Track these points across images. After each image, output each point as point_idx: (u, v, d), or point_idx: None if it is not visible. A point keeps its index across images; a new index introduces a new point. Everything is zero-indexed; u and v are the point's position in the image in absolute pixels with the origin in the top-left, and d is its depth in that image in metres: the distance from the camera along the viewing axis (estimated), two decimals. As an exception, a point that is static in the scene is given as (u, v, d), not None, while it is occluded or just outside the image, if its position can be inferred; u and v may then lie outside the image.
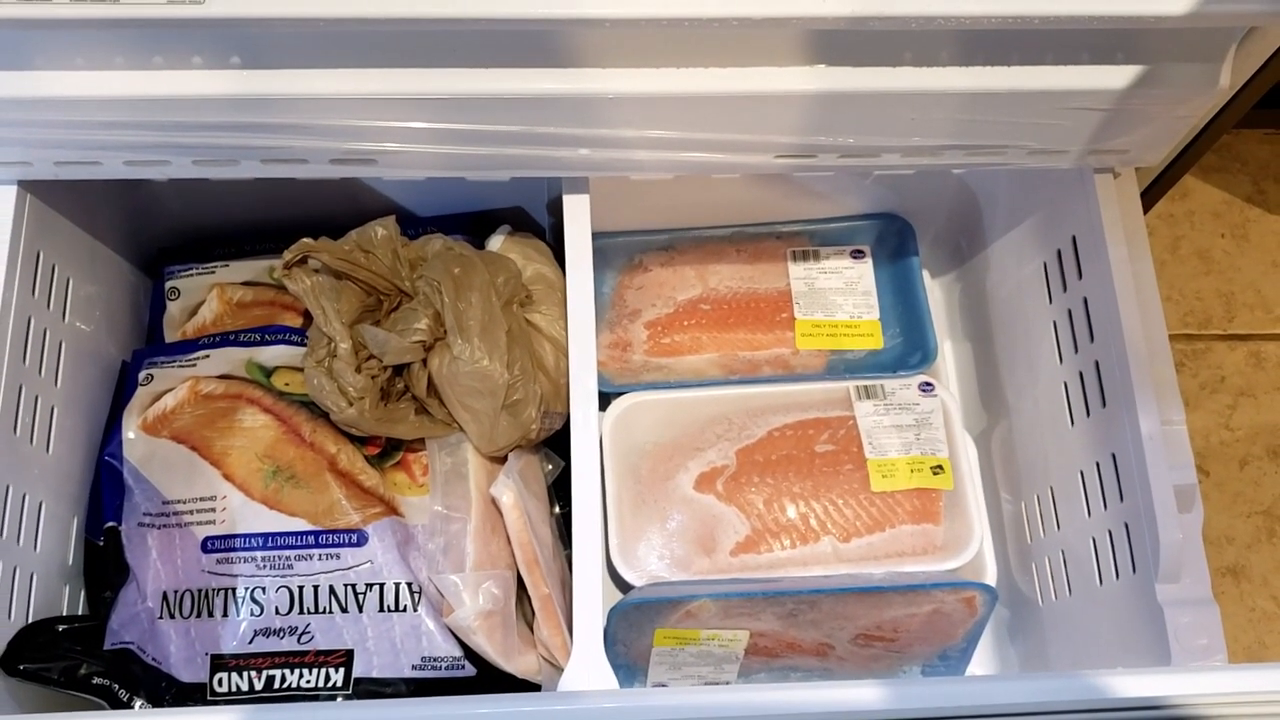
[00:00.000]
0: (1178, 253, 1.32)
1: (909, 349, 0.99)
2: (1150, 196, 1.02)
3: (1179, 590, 0.74)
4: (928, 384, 0.97)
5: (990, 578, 0.95)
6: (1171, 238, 1.32)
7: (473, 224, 0.98)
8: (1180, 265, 1.31)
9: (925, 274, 1.04)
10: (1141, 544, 0.77)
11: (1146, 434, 0.76)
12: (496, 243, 0.91)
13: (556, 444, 0.90)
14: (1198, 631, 0.73)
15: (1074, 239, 0.85)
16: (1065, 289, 0.87)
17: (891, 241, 1.04)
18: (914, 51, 0.70)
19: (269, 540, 0.81)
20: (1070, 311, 0.86)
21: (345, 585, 0.80)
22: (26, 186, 0.78)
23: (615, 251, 1.03)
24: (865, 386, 0.96)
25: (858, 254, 1.03)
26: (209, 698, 0.78)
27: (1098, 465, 0.83)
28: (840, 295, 1.02)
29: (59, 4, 0.60)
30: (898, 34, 0.68)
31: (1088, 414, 0.84)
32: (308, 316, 0.89)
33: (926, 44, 0.69)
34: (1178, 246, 1.32)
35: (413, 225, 0.96)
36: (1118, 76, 0.71)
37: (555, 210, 0.97)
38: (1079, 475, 0.85)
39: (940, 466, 0.93)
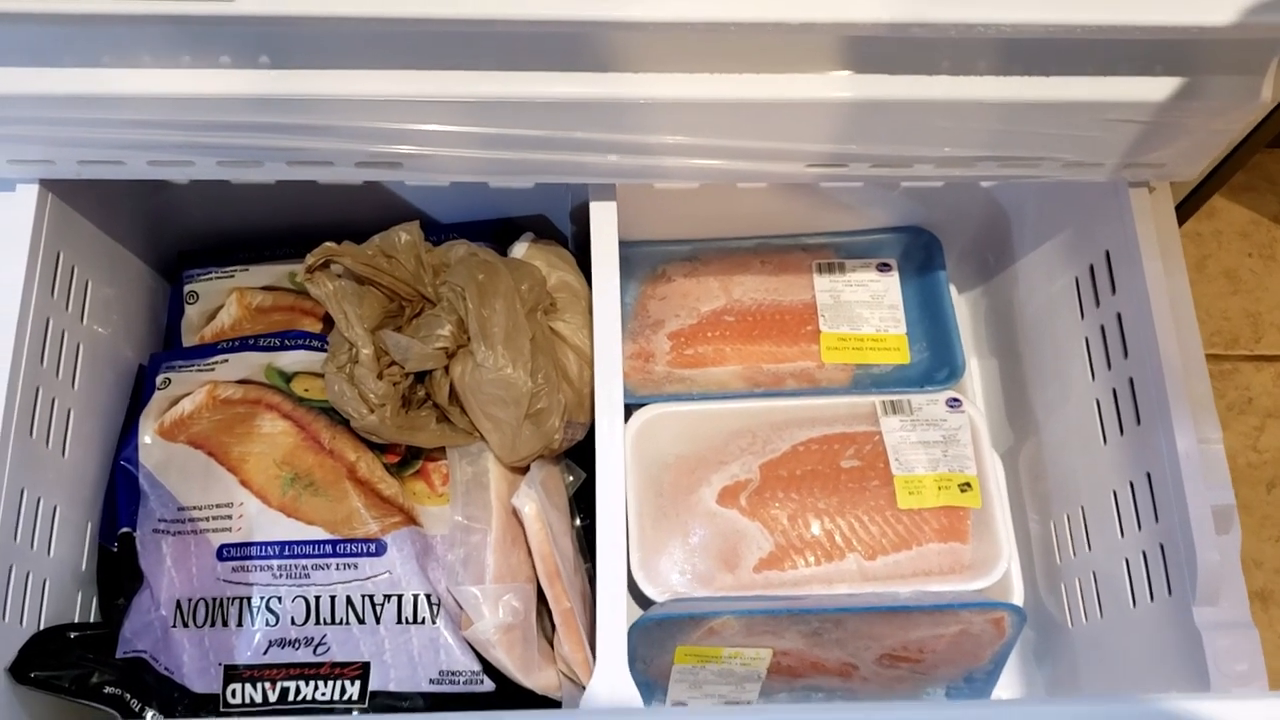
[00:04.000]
0: (1205, 272, 1.30)
1: (936, 364, 0.98)
2: (1180, 215, 1.00)
3: (1217, 613, 0.73)
4: (955, 400, 0.95)
5: (1017, 598, 0.94)
6: (1198, 257, 1.30)
7: (494, 231, 0.97)
8: (1207, 285, 1.29)
9: (951, 288, 1.03)
10: (1178, 566, 0.75)
11: (1183, 453, 0.75)
12: (520, 249, 0.90)
13: (577, 455, 0.89)
14: (1237, 656, 0.71)
15: (1107, 254, 0.84)
16: (1098, 304, 0.85)
17: (918, 255, 1.03)
18: (951, 60, 0.69)
19: (286, 549, 0.80)
20: (1103, 327, 0.85)
21: (363, 596, 0.78)
22: (48, 186, 0.77)
23: (638, 261, 1.02)
24: (892, 401, 0.95)
25: (884, 267, 1.02)
26: (222, 709, 0.77)
27: (1131, 485, 0.81)
28: (866, 308, 1.00)
29: (87, -1, 0.59)
30: (935, 42, 0.67)
31: (1121, 432, 0.82)
32: (328, 322, 0.88)
33: (964, 52, 0.68)
34: (1205, 266, 1.30)
35: (435, 232, 0.95)
36: (1157, 88, 0.70)
37: (577, 218, 0.96)
38: (1111, 495, 0.83)
39: (968, 484, 0.92)
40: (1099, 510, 0.85)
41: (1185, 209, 1.00)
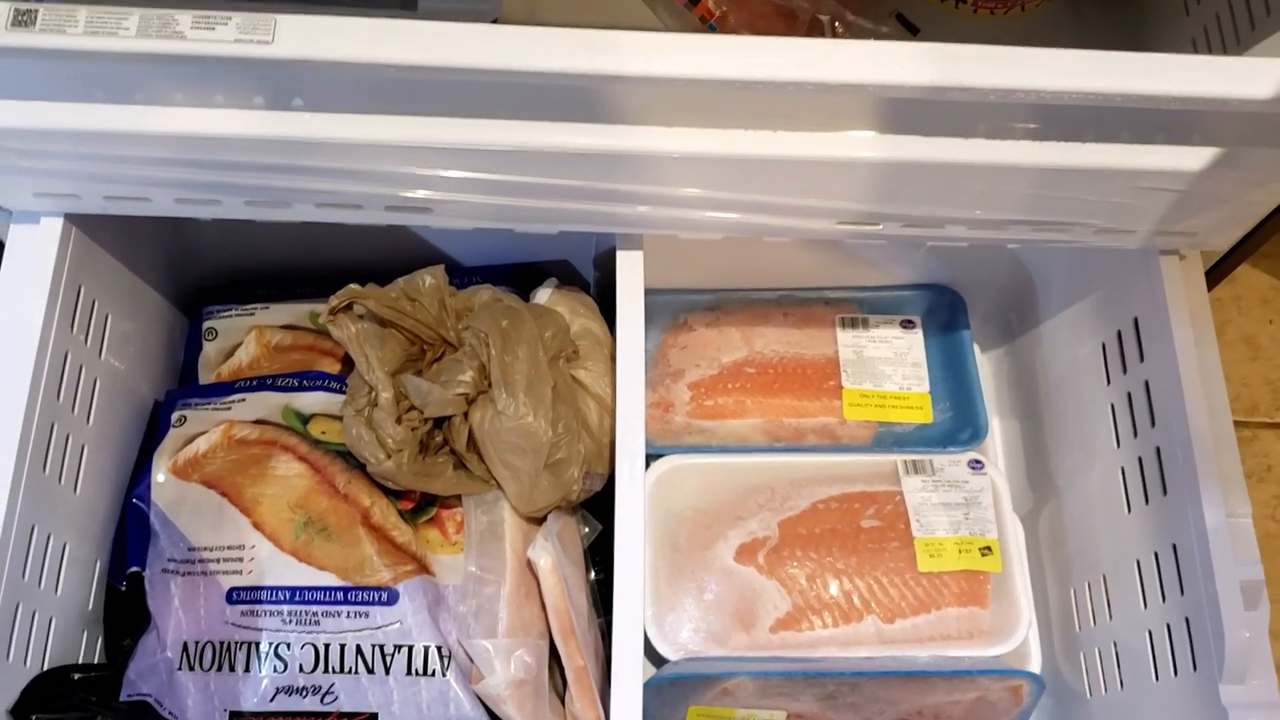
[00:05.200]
0: (1224, 338, 1.29)
1: (959, 424, 0.97)
2: (1206, 282, 0.99)
3: (1245, 692, 0.71)
4: (977, 461, 0.94)
5: (1034, 665, 0.92)
6: (1218, 322, 1.28)
7: (517, 275, 0.96)
8: (1227, 351, 1.28)
9: (974, 348, 1.02)
10: (1204, 640, 0.74)
11: (1211, 526, 0.74)
12: (544, 295, 0.89)
13: (592, 506, 0.88)
14: (1266, 736, 0.70)
15: (1136, 320, 0.83)
16: (1125, 371, 0.85)
17: (942, 313, 1.02)
18: (987, 123, 0.68)
19: (296, 594, 0.78)
20: (1130, 395, 0.84)
21: (373, 645, 0.77)
22: (72, 220, 0.76)
23: (660, 310, 1.02)
24: (914, 461, 0.94)
25: (908, 324, 1.01)
26: (226, 756, 0.75)
27: (1156, 555, 0.80)
28: (889, 365, 0.99)
29: (125, 38, 0.58)
30: (973, 105, 0.66)
31: (1146, 501, 0.81)
32: (347, 363, 0.87)
33: (1000, 116, 0.68)
34: (1224, 331, 1.29)
35: (456, 274, 0.94)
36: (1194, 158, 0.69)
37: (601, 265, 0.96)
38: (1135, 565, 0.82)
39: (989, 548, 0.91)
40: (1121, 579, 0.84)
41: (1211, 277, 0.99)
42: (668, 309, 1.02)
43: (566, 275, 0.98)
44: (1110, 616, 0.86)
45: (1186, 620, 0.76)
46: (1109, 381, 0.87)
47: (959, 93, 0.62)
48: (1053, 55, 0.62)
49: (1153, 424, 0.81)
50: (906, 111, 0.67)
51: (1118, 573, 0.85)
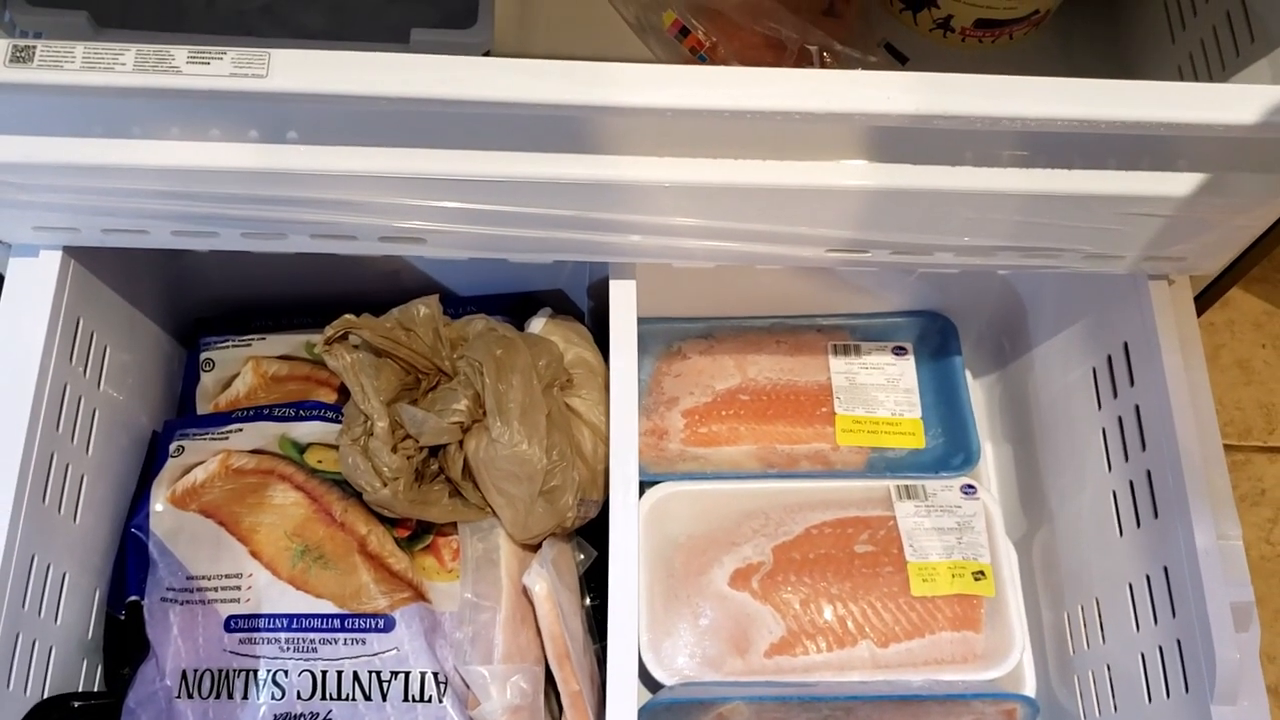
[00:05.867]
0: (1218, 362, 1.30)
1: (951, 450, 0.98)
2: (1198, 306, 1.00)
3: (1236, 713, 0.72)
4: (970, 486, 0.95)
5: (1029, 689, 0.92)
6: (1212, 347, 1.30)
7: (511, 305, 0.97)
8: (1220, 375, 1.29)
9: (967, 373, 1.02)
10: (1195, 662, 0.74)
11: (1202, 549, 0.74)
12: (538, 324, 0.90)
13: (588, 533, 0.88)
14: (1258, 758, 0.70)
15: (1126, 345, 0.84)
16: (1116, 395, 0.85)
17: (934, 340, 1.03)
18: (975, 151, 0.69)
19: (294, 622, 0.79)
20: (1121, 419, 0.84)
21: (370, 672, 0.78)
22: (71, 252, 0.77)
23: (654, 338, 1.02)
24: (906, 486, 0.95)
25: (899, 350, 1.02)
26: (224, 785, 0.75)
27: (1148, 578, 0.80)
28: (882, 392, 1.00)
29: (121, 73, 0.59)
30: (960, 134, 0.67)
31: (1138, 524, 0.82)
32: (343, 392, 0.88)
33: (988, 144, 0.69)
34: (1218, 355, 1.30)
35: (452, 304, 0.95)
36: (1180, 184, 0.70)
37: (595, 294, 0.97)
38: (1127, 587, 0.83)
39: (982, 572, 0.91)
40: (1114, 603, 0.85)
41: (1203, 301, 1.00)
42: (661, 337, 1.03)
43: (560, 304, 0.99)
44: (1103, 639, 0.86)
45: (1178, 643, 0.76)
46: (1100, 406, 0.87)
47: (946, 121, 0.63)
48: (1039, 84, 0.63)
49: (1143, 447, 0.81)
50: (895, 140, 0.68)
51: (1110, 596, 0.85)
